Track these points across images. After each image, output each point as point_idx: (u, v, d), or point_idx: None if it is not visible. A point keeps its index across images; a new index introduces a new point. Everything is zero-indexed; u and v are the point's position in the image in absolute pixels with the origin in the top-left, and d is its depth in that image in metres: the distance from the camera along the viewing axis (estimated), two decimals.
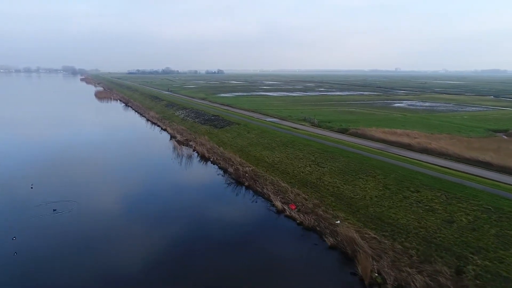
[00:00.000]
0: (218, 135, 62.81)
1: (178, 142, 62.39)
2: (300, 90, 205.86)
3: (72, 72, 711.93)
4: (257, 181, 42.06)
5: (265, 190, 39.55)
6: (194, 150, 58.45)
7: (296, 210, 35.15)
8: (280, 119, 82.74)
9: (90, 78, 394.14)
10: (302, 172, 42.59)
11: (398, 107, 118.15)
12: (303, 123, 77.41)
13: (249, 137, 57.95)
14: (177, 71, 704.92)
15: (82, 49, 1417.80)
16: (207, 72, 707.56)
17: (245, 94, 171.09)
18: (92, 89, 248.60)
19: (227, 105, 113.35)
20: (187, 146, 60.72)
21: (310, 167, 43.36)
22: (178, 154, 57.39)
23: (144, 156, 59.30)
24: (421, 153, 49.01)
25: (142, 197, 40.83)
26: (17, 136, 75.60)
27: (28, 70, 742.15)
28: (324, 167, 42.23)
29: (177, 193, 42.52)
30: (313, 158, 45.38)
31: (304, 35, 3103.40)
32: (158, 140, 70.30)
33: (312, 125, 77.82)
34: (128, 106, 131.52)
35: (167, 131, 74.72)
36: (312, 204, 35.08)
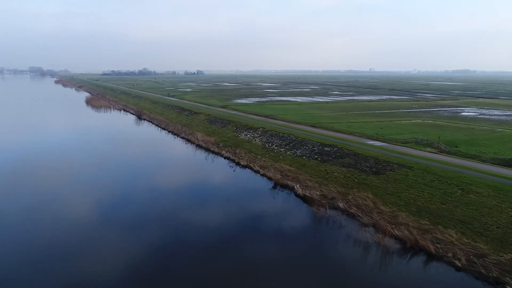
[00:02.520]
0: (385, 189, 36.22)
1: (317, 203, 36.01)
2: (318, 94, 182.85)
3: (41, 73, 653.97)
4: None
5: None
6: (365, 225, 31.94)
7: None
8: (381, 141, 59.06)
9: (66, 81, 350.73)
10: None
11: (476, 117, 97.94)
12: (422, 148, 54.24)
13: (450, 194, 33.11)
14: (155, 71, 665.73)
15: (50, 49, 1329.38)
16: (186, 73, 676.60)
17: (264, 100, 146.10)
18: (74, 94, 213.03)
19: (270, 117, 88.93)
20: (345, 213, 33.64)
21: None
22: (345, 238, 31.30)
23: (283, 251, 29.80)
24: None
25: None
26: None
27: None
28: None
29: None
30: None
31: (279, 36, 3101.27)
32: (264, 195, 41.43)
33: (439, 152, 54.63)
34: (143, 119, 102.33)
35: (263, 174, 46.47)
36: None
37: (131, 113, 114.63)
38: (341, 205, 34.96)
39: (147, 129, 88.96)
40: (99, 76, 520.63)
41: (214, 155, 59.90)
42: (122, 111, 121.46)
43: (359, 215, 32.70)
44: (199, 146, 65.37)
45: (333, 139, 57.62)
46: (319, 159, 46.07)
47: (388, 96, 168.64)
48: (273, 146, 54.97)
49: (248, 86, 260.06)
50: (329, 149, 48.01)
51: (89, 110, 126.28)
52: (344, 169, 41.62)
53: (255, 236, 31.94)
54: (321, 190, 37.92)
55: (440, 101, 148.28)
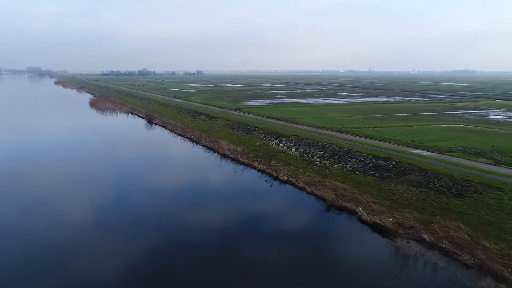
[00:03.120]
0: (480, 217, 29.17)
1: (392, 233, 29.14)
2: (328, 95, 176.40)
3: (39, 73, 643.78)
4: None
5: None
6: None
7: None
8: (422, 149, 52.78)
9: (66, 81, 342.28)
10: None
11: (506, 121, 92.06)
12: (473, 159, 47.87)
13: None
14: (154, 72, 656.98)
15: (48, 49, 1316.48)
16: (186, 73, 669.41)
17: (275, 102, 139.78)
18: (76, 95, 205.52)
19: (289, 121, 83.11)
20: (433, 248, 26.73)
21: None
22: None
23: None
24: None
25: None
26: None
27: None
28: None
29: None
30: None
31: (278, 36, 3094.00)
32: (318, 219, 35.07)
33: (496, 163, 48.35)
34: (154, 123, 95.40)
35: (310, 192, 39.87)
36: None
37: (140, 117, 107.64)
38: (426, 237, 28.55)
39: (161, 134, 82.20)
40: (98, 76, 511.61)
41: (243, 166, 53.32)
42: (129, 114, 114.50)
43: (455, 252, 26.29)
44: (224, 155, 58.67)
45: (374, 147, 51.30)
46: (377, 175, 39.62)
47: (401, 98, 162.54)
48: (314, 157, 48.37)
49: (252, 87, 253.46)
50: (385, 163, 41.50)
51: (95, 113, 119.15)
52: (414, 189, 35.19)
53: (327, 272, 25.45)
54: (394, 217, 31.46)
55: (457, 103, 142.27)
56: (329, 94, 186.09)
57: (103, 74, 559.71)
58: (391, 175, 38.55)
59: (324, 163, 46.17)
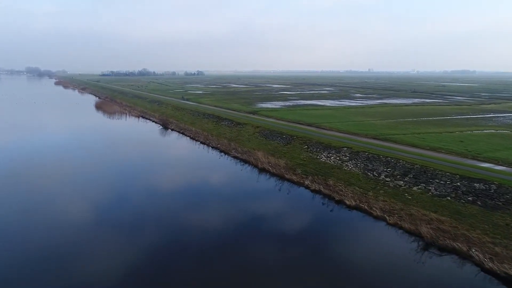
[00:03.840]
0: None
1: None
2: (341, 97, 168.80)
3: (38, 74, 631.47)
4: None
5: None
6: None
7: None
8: (483, 161, 44.66)
9: (66, 82, 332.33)
10: None
11: None
12: None
13: None
14: (154, 72, 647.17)
15: (46, 49, 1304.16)
16: (186, 74, 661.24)
17: (290, 104, 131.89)
18: (79, 96, 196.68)
19: (314, 126, 76.18)
20: None
21: None
22: None
23: None
24: None
25: None
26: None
27: None
28: None
29: None
30: None
31: (277, 36, 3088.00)
32: (412, 262, 27.13)
33: None
34: (170, 129, 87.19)
35: (393, 223, 31.95)
36: None
37: (152, 121, 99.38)
38: None
39: (181, 142, 74.12)
40: (98, 77, 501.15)
41: (288, 184, 45.49)
42: (140, 118, 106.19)
43: None
44: (263, 170, 50.73)
45: (435, 160, 43.68)
46: (478, 203, 31.88)
47: (419, 99, 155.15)
48: (382, 176, 40.48)
49: (258, 87, 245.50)
50: (483, 186, 33.64)
51: (102, 117, 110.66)
52: None
53: None
54: None
55: (481, 105, 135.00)
56: (341, 95, 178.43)
57: (103, 75, 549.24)
58: (499, 203, 30.92)
59: (397, 184, 38.33)
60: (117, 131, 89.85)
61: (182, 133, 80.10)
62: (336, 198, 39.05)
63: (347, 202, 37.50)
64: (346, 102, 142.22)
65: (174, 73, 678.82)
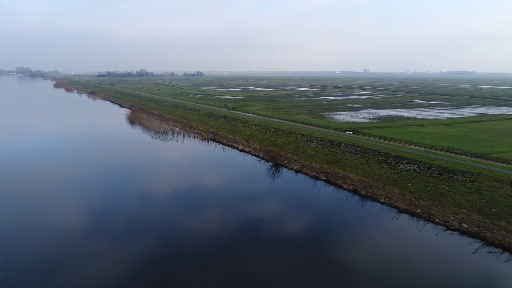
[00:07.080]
0: None
1: None
2: (408, 105, 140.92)
3: (30, 74, 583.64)
4: None
5: None
6: None
7: None
8: None
9: (67, 84, 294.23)
10: None
11: None
12: None
13: None
14: (152, 73, 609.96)
15: (35, 49, 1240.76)
16: (185, 74, 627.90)
17: (373, 115, 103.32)
18: (93, 103, 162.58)
19: (477, 157, 46.30)
20: None
21: None
22: None
23: None
24: None
25: None
26: None
27: None
28: None
29: None
30: None
31: (271, 37, 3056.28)
32: None
33: None
34: (283, 165, 56.32)
35: None
36: None
37: (238, 150, 66.66)
38: None
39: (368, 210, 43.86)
40: (95, 77, 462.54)
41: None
42: (209, 142, 74.19)
43: None
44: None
45: None
46: None
47: (499, 109, 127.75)
48: None
49: (287, 91, 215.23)
50: None
51: (158, 143, 73.77)
52: None
53: None
54: None
55: None
56: (405, 101, 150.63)
57: (99, 75, 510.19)
58: None
59: None
60: (214, 178, 57.78)
61: (330, 182, 48.48)
62: None
63: None
64: (430, 112, 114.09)
65: (173, 74, 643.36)
